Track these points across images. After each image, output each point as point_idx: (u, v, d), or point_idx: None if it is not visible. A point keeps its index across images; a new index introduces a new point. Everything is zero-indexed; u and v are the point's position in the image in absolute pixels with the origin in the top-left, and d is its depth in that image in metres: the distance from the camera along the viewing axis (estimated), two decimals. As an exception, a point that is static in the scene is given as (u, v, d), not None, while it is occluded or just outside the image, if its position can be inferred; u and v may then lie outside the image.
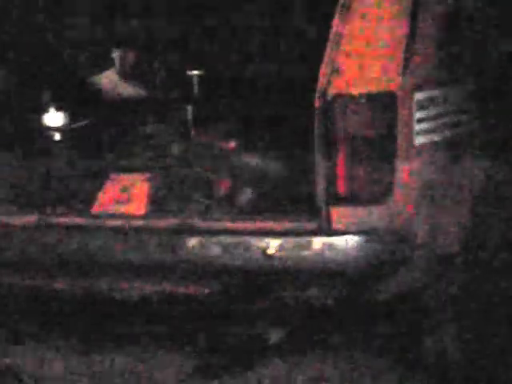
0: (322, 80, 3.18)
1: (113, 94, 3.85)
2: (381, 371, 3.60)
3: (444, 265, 3.42)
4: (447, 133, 3.45)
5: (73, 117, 3.77)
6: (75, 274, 3.38)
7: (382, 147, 3.19)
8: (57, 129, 3.74)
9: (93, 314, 3.87)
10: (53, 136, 3.74)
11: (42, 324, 3.95)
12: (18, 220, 3.42)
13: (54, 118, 3.74)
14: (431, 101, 3.37)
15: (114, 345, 3.86)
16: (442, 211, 3.41)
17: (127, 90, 3.86)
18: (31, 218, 3.41)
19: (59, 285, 3.43)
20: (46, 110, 3.72)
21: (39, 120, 3.74)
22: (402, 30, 3.27)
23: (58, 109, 3.72)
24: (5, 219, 3.44)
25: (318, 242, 3.20)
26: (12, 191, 3.61)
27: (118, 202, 3.47)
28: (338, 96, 3.16)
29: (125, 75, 3.88)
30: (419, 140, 3.30)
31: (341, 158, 3.17)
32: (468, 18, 3.58)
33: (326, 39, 3.24)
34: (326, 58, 3.21)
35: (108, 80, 3.85)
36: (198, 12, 3.87)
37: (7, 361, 3.73)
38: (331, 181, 3.17)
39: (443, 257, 3.42)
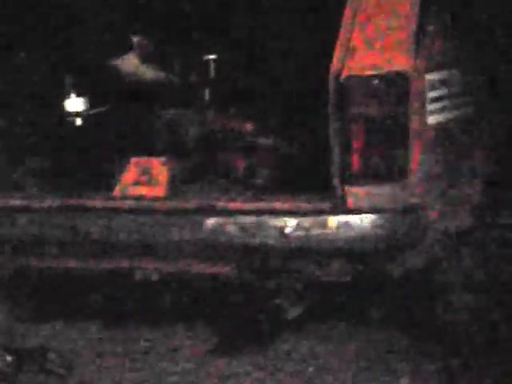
0: (335, 61, 3.23)
1: (133, 77, 3.88)
2: (396, 345, 3.67)
3: (457, 241, 3.49)
4: (459, 112, 3.51)
5: (93, 102, 3.84)
6: (97, 255, 3.44)
7: (395, 127, 3.24)
8: (78, 114, 3.80)
9: (115, 294, 3.96)
10: (74, 121, 3.81)
11: (67, 304, 4.03)
12: (42, 203, 3.48)
13: (75, 104, 3.81)
14: (443, 81, 3.43)
15: (136, 323, 3.93)
16: (454, 189, 3.47)
17: (147, 73, 3.89)
18: (54, 202, 3.47)
19: (82, 265, 3.50)
20: (67, 96, 3.80)
21: (61, 105, 3.81)
22: (415, 12, 3.33)
23: (79, 94, 3.79)
24: (29, 203, 3.50)
25: (333, 221, 3.25)
26: (35, 175, 3.67)
27: (138, 184, 3.51)
28: (352, 77, 3.20)
29: (144, 59, 3.92)
30: (432, 119, 3.35)
31: (355, 138, 3.22)
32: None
33: (340, 21, 3.30)
34: (339, 40, 3.25)
35: (128, 63, 3.88)
36: None
37: (34, 340, 3.83)
38: (346, 160, 3.22)
39: (456, 233, 3.48)
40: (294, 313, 3.61)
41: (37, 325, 3.96)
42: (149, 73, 3.88)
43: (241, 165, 3.60)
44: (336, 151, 3.24)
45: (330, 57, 3.26)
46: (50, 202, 3.47)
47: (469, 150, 3.54)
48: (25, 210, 3.49)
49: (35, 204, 3.48)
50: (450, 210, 3.45)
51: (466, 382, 3.32)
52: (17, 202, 3.51)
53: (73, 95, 3.79)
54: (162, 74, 3.87)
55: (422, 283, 3.54)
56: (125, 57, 3.88)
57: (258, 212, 3.32)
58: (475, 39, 3.63)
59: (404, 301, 3.67)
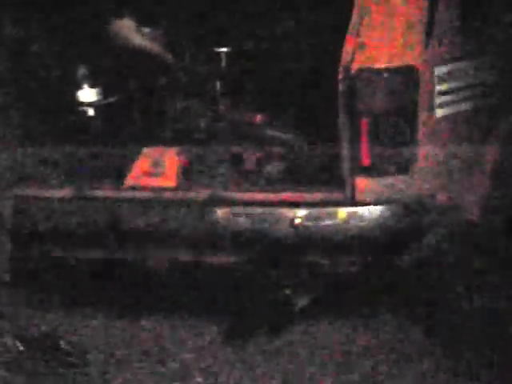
0: (345, 55, 3.27)
1: (128, 41, 3.82)
2: (406, 335, 3.69)
3: (465, 231, 3.52)
4: (467, 105, 3.54)
5: (105, 92, 3.88)
6: (109, 244, 3.49)
7: (404, 119, 3.28)
8: (90, 104, 3.84)
9: (125, 282, 4.01)
10: (87, 111, 3.85)
11: (79, 292, 4.07)
12: (56, 193, 3.53)
13: (87, 94, 3.85)
14: (451, 74, 3.46)
15: (146, 312, 3.95)
16: (462, 180, 3.50)
17: (143, 40, 3.82)
18: (67, 192, 3.52)
19: (94, 254, 3.55)
20: (79, 87, 3.84)
21: (74, 96, 3.85)
22: (424, 5, 3.36)
23: (92, 85, 3.83)
24: (43, 193, 3.56)
25: (343, 212, 3.30)
26: (49, 166, 3.70)
27: (150, 175, 3.55)
28: (362, 70, 3.24)
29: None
30: (440, 112, 3.39)
31: (364, 130, 3.26)
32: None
33: (349, 15, 3.33)
34: (349, 34, 3.29)
35: (122, 26, 3.82)
36: None
37: (45, 328, 3.87)
38: (355, 153, 3.27)
39: (465, 224, 3.52)
40: (302, 303, 3.65)
41: (47, 313, 4.00)
42: (145, 40, 3.84)
43: (251, 156, 3.63)
44: (345, 143, 3.29)
45: (340, 50, 3.29)
46: (62, 193, 3.52)
47: (477, 142, 3.57)
48: (38, 199, 3.54)
49: (48, 194, 3.54)
50: (458, 201, 3.49)
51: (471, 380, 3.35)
52: (30, 192, 3.57)
53: (85, 86, 3.83)
54: (155, 40, 3.84)
55: (429, 274, 3.58)
56: (119, 21, 3.85)
57: (269, 203, 3.37)
58: (485, 32, 3.66)
59: (412, 291, 3.72)
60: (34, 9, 3.83)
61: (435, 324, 3.62)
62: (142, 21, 3.94)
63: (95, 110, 3.81)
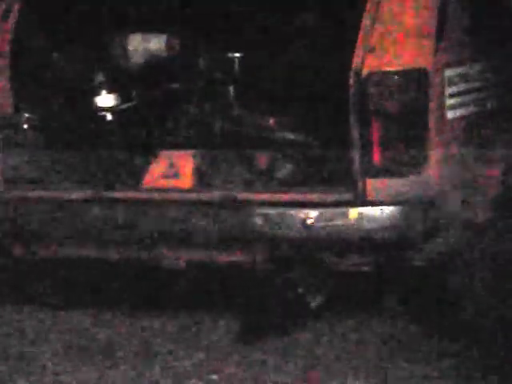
0: (356, 58, 3.31)
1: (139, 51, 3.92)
2: (417, 334, 3.72)
3: (475, 231, 3.55)
4: (477, 107, 3.57)
5: (123, 98, 3.95)
6: (127, 244, 3.55)
7: (415, 121, 3.31)
8: (108, 109, 3.88)
9: (143, 282, 4.05)
10: (105, 116, 3.89)
11: (96, 292, 4.12)
12: (75, 195, 3.60)
13: (105, 100, 3.91)
14: (461, 77, 3.49)
15: (163, 311, 4.00)
16: (472, 181, 3.53)
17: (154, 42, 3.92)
18: (87, 193, 3.58)
19: (112, 254, 3.60)
20: (98, 93, 3.90)
21: (92, 102, 3.92)
22: (434, 8, 3.39)
23: (109, 91, 3.91)
24: (62, 194, 3.62)
25: (354, 212, 3.33)
26: (69, 168, 3.76)
27: (166, 177, 3.60)
28: (373, 73, 3.28)
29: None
30: (451, 114, 3.42)
31: (376, 132, 3.30)
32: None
33: (359, 19, 3.37)
34: (360, 37, 3.33)
35: (134, 40, 3.91)
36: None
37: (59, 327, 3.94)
38: (367, 154, 3.30)
39: (474, 224, 3.54)
40: (316, 302, 3.68)
41: (62, 311, 4.06)
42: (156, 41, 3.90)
43: (264, 158, 3.66)
44: (357, 145, 3.32)
45: (351, 54, 3.34)
46: (82, 194, 3.58)
47: (487, 143, 3.61)
48: (58, 201, 3.60)
49: (67, 196, 3.60)
50: (469, 201, 3.52)
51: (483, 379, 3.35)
52: (50, 194, 3.63)
53: (104, 92, 3.91)
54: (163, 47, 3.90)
55: (440, 273, 3.60)
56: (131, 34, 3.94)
57: (281, 204, 3.41)
58: (494, 34, 3.70)
59: (422, 291, 3.75)
60: (55, 17, 3.91)
61: (448, 324, 3.64)
62: (156, 28, 4.02)
63: (113, 115, 3.90)
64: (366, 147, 3.31)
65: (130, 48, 3.93)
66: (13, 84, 3.79)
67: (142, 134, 3.82)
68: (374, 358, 3.55)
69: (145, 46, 3.94)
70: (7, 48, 3.79)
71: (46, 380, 3.48)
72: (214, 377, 3.47)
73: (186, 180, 3.59)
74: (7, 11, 3.83)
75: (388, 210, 3.32)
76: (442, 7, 3.42)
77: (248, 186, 3.57)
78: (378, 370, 3.46)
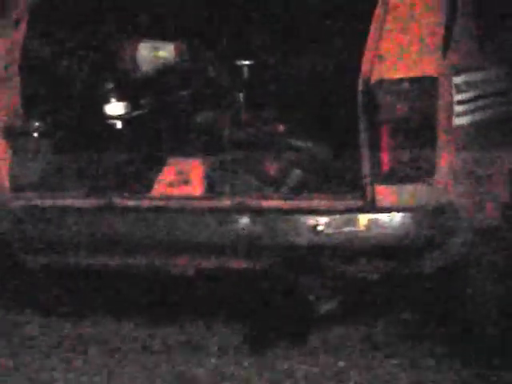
0: (365, 66, 3.33)
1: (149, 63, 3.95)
2: (427, 340, 3.74)
3: (484, 238, 3.56)
4: (485, 114, 3.59)
5: (133, 106, 3.97)
6: (138, 251, 3.55)
7: (423, 128, 3.33)
8: (118, 117, 3.91)
9: (152, 289, 4.07)
10: (114, 124, 3.92)
11: (105, 300, 4.16)
12: (86, 203, 3.60)
13: (115, 108, 3.93)
14: (469, 84, 3.51)
15: (174, 318, 4.04)
16: (481, 188, 3.55)
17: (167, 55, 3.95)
18: (97, 201, 3.58)
19: (123, 261, 3.60)
20: (107, 101, 3.93)
21: (102, 110, 3.93)
22: (442, 17, 3.41)
23: (119, 99, 3.93)
24: (74, 202, 3.63)
25: (363, 219, 3.34)
26: (80, 177, 3.77)
27: (176, 184, 3.61)
28: (382, 81, 3.30)
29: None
30: (459, 121, 3.44)
31: (385, 139, 3.31)
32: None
33: (368, 27, 3.39)
34: (369, 44, 3.35)
35: (143, 48, 3.94)
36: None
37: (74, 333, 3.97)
38: (376, 161, 3.32)
39: (484, 230, 3.56)
40: (326, 308, 3.70)
41: (75, 319, 4.10)
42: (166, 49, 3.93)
43: (274, 165, 3.67)
44: (366, 152, 3.34)
45: (360, 61, 3.36)
46: (92, 202, 3.60)
47: (496, 149, 3.63)
48: (68, 209, 3.61)
49: (79, 204, 3.62)
50: (478, 208, 3.54)
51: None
52: (61, 202, 3.64)
53: (113, 100, 3.94)
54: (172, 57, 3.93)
55: (450, 280, 3.61)
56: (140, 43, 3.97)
57: (291, 210, 3.42)
58: (502, 42, 3.72)
59: (433, 298, 3.76)
60: (64, 26, 3.93)
61: (459, 330, 3.66)
62: (165, 36, 4.04)
63: (123, 123, 3.92)
64: (375, 154, 3.33)
65: (140, 56, 3.97)
66: (23, 92, 3.81)
67: (151, 142, 3.84)
68: (385, 365, 3.57)
69: (154, 53, 3.98)
70: (18, 57, 3.81)
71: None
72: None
73: (196, 187, 3.61)
74: (18, 21, 3.86)
75: (397, 216, 3.34)
76: (450, 15, 3.44)
77: (257, 192, 3.58)
78: (388, 377, 3.48)
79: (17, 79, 3.81)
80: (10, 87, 3.79)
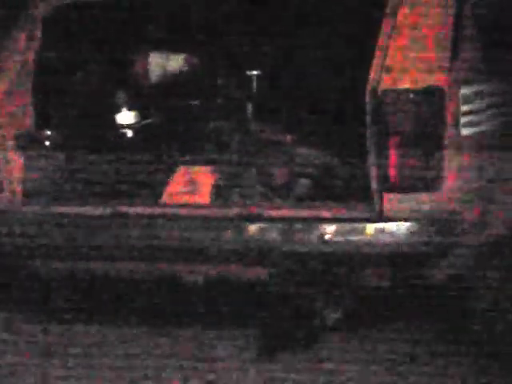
0: (372, 77, 3.38)
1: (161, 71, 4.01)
2: (432, 350, 3.75)
3: (491, 249, 3.58)
4: (492, 124, 3.62)
5: (143, 115, 4.02)
6: (146, 258, 3.59)
7: (430, 138, 3.36)
8: (129, 126, 3.96)
9: (160, 296, 4.09)
10: (126, 133, 3.96)
11: (116, 305, 4.18)
12: (95, 210, 3.65)
13: (126, 117, 3.98)
14: (476, 95, 3.54)
15: (180, 326, 4.05)
16: (488, 198, 3.57)
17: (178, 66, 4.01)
18: (107, 209, 3.62)
19: (131, 268, 3.65)
20: (119, 110, 3.97)
21: (113, 119, 3.97)
22: (448, 29, 3.45)
23: (130, 108, 3.99)
24: (83, 210, 3.68)
25: (371, 228, 3.38)
26: (90, 184, 3.82)
27: (185, 192, 3.67)
28: (389, 91, 3.34)
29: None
30: (465, 131, 3.47)
31: (392, 149, 3.35)
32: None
33: (375, 39, 3.44)
34: (376, 56, 3.40)
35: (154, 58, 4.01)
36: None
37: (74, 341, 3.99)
38: (383, 170, 3.35)
39: (490, 241, 3.58)
40: (333, 317, 3.72)
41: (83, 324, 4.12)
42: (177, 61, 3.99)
43: (282, 174, 3.72)
44: (373, 162, 3.38)
45: (367, 72, 3.40)
46: (102, 210, 3.64)
47: (501, 160, 3.66)
48: (79, 217, 3.66)
49: (88, 211, 3.66)
50: (484, 218, 3.56)
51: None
52: (72, 210, 3.69)
53: (125, 109, 3.99)
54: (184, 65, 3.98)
55: (456, 289, 3.63)
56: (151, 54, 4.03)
57: (299, 219, 3.45)
58: (507, 53, 3.76)
59: (441, 306, 3.77)
60: (76, 38, 3.99)
61: (466, 338, 3.67)
62: (176, 47, 4.09)
63: (134, 132, 3.96)
64: (383, 164, 3.37)
65: (151, 67, 4.02)
66: (35, 102, 3.87)
67: (161, 150, 3.88)
68: (391, 374, 3.58)
69: (165, 64, 4.03)
70: (31, 67, 3.87)
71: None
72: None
73: (205, 195, 3.66)
74: (32, 31, 3.91)
75: (404, 225, 3.37)
76: (457, 27, 3.48)
77: (266, 201, 3.63)
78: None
79: (30, 90, 3.86)
80: (24, 98, 3.85)
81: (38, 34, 3.89)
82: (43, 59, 3.89)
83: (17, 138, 3.79)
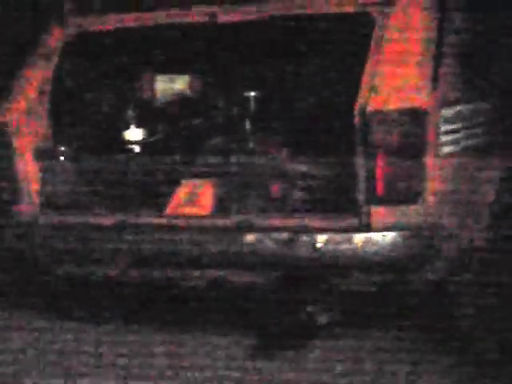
0: (361, 98, 3.54)
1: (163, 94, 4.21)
2: (418, 351, 3.88)
3: (470, 256, 3.74)
4: (470, 142, 3.77)
5: (150, 132, 4.20)
6: (151, 266, 3.78)
7: (414, 155, 3.51)
8: (137, 142, 4.17)
9: (164, 301, 4.25)
10: (133, 148, 4.17)
11: (119, 310, 4.34)
12: (104, 220, 3.84)
13: (134, 133, 4.17)
14: (456, 116, 3.70)
15: (181, 328, 4.18)
16: (466, 209, 3.73)
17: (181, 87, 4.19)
18: (115, 219, 3.82)
19: (138, 275, 3.83)
20: (127, 127, 4.18)
21: (122, 135, 4.18)
22: (430, 54, 3.62)
23: (138, 125, 4.19)
24: (93, 220, 3.88)
25: (359, 238, 3.53)
26: (99, 195, 4.02)
27: (187, 204, 3.84)
28: (376, 112, 3.50)
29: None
30: (446, 149, 3.63)
31: (379, 165, 3.50)
32: (491, 41, 3.95)
33: (363, 64, 3.63)
34: (364, 79, 3.57)
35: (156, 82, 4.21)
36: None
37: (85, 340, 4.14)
38: (371, 184, 3.51)
39: (469, 249, 3.74)
40: (324, 320, 3.78)
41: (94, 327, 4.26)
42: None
43: (277, 186, 3.88)
44: (362, 176, 3.54)
45: (356, 94, 3.57)
46: (110, 220, 3.84)
47: (479, 175, 3.82)
48: (88, 226, 3.86)
49: (97, 221, 3.86)
50: (465, 227, 3.71)
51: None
52: (82, 220, 3.89)
53: (133, 126, 4.20)
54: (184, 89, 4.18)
55: (439, 295, 3.79)
56: (158, 76, 4.21)
57: (292, 229, 3.62)
58: (488, 76, 3.92)
59: (423, 310, 3.92)
60: (92, 61, 4.19)
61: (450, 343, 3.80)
62: (181, 70, 4.27)
63: (141, 147, 4.14)
64: (370, 178, 3.51)
65: (158, 88, 4.24)
66: (52, 119, 4.07)
67: (166, 165, 4.04)
68: (381, 374, 3.70)
69: (170, 86, 4.24)
70: (49, 86, 4.07)
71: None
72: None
73: (206, 207, 3.83)
74: (49, 53, 4.11)
75: (390, 235, 3.53)
76: (438, 55, 3.62)
77: (262, 212, 3.78)
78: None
79: (47, 107, 4.07)
80: (41, 114, 4.05)
81: (57, 57, 4.09)
82: (60, 80, 4.09)
83: (35, 151, 4.00)
